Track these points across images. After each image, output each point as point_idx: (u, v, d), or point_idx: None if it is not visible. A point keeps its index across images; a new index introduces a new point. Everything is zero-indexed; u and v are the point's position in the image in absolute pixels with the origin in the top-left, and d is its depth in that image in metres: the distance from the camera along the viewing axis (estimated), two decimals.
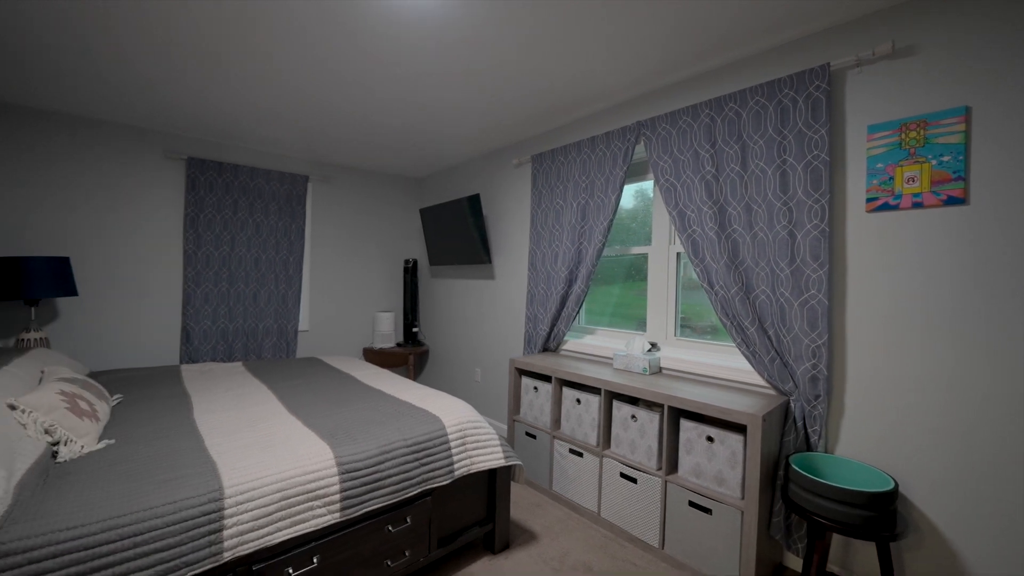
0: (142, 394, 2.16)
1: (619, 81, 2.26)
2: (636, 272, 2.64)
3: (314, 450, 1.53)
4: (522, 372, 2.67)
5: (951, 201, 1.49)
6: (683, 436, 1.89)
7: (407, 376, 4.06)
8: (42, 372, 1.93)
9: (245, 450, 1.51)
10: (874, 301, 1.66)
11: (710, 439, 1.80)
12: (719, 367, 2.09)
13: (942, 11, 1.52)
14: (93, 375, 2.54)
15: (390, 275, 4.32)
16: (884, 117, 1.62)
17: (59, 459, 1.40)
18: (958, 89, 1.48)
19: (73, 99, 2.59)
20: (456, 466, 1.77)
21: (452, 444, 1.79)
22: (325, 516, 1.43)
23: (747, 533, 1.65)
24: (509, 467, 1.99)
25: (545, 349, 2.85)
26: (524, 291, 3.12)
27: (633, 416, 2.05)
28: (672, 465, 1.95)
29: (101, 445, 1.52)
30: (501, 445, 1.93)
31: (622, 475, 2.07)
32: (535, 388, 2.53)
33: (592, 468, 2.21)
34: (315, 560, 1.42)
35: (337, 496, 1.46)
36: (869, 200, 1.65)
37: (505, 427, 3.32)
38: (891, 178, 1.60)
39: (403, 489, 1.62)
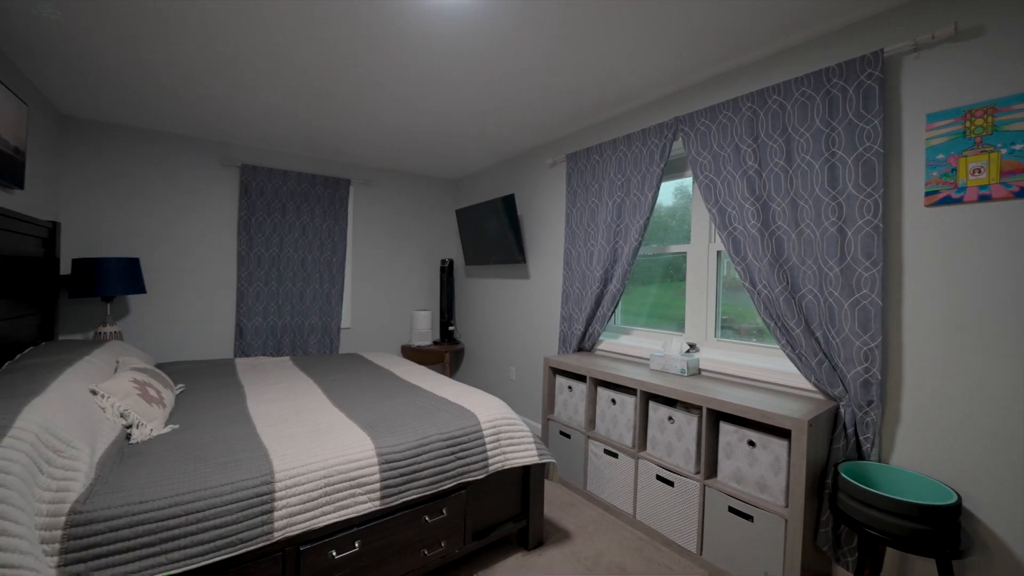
0: (201, 384, 2.33)
1: (656, 76, 2.23)
2: (675, 272, 2.59)
3: (356, 440, 1.60)
4: (556, 371, 2.68)
5: None
6: (723, 439, 1.84)
7: (443, 373, 4.14)
8: (117, 362, 2.11)
9: (293, 438, 1.60)
10: (933, 301, 1.56)
11: (752, 443, 1.74)
12: (762, 369, 2.01)
13: None
14: (159, 366, 2.76)
15: (427, 274, 4.43)
16: (945, 104, 1.52)
17: (132, 440, 1.54)
18: None
19: (142, 114, 2.82)
20: (490, 461, 1.80)
21: (487, 439, 1.82)
22: (366, 503, 1.50)
23: (791, 542, 1.59)
24: (543, 465, 2.00)
25: (580, 349, 2.84)
26: (559, 290, 3.12)
27: (670, 418, 2.01)
28: (711, 469, 1.90)
29: (167, 429, 1.66)
30: (535, 442, 1.94)
31: (658, 478, 2.03)
32: (569, 388, 2.53)
33: (627, 469, 2.18)
34: (356, 545, 1.49)
35: (377, 485, 1.52)
36: (928, 193, 1.55)
37: (539, 426, 3.33)
38: (953, 169, 1.49)
39: (439, 481, 1.66)
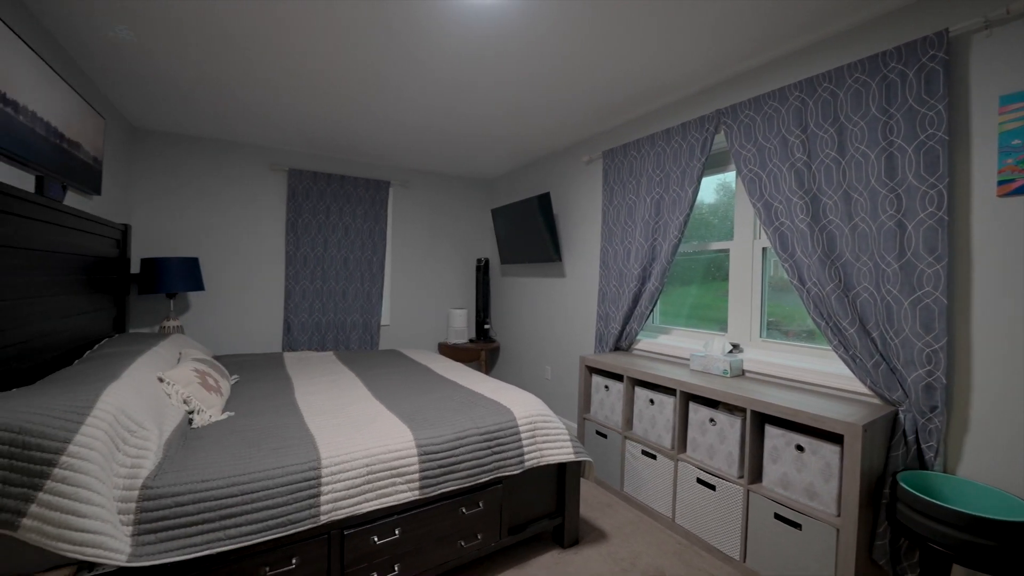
0: (253, 375, 2.47)
1: (696, 68, 2.17)
2: (716, 271, 2.51)
3: (396, 431, 1.65)
4: (593, 370, 2.65)
5: None
6: (768, 443, 1.76)
7: (478, 371, 4.19)
8: (180, 353, 2.28)
9: (338, 428, 1.67)
10: (1007, 299, 1.43)
11: (800, 448, 1.66)
12: (811, 371, 1.92)
13: None
14: (216, 358, 2.95)
15: (463, 273, 4.50)
16: (1022, 85, 1.40)
17: (193, 425, 1.66)
18: None
19: (202, 124, 3.03)
20: (526, 457, 1.81)
21: (523, 435, 1.83)
22: (406, 492, 1.54)
23: (844, 554, 1.50)
24: (579, 463, 1.99)
25: (617, 348, 2.80)
26: (595, 289, 3.09)
27: (712, 420, 1.95)
28: (755, 474, 1.83)
29: (224, 416, 1.77)
30: (571, 440, 1.94)
31: (699, 481, 1.98)
32: (606, 387, 2.50)
33: (666, 471, 2.13)
34: (397, 532, 1.53)
35: (416, 475, 1.56)
36: (1002, 183, 1.43)
37: (575, 425, 3.30)
38: None
39: (476, 474, 1.69)
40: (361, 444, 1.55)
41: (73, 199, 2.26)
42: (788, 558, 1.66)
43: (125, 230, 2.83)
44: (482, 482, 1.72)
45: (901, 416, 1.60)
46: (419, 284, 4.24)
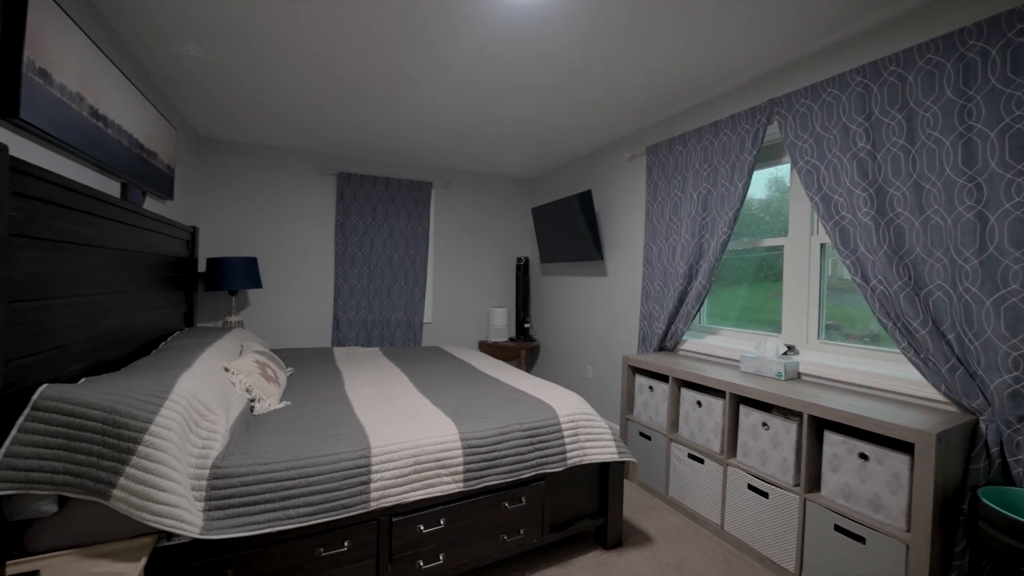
0: (307, 368, 2.60)
1: (747, 58, 2.08)
2: (769, 270, 2.39)
3: (441, 424, 1.69)
4: (636, 370, 2.60)
5: None
6: (827, 450, 1.66)
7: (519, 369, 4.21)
8: (241, 346, 2.43)
9: (386, 419, 1.73)
10: None
11: (863, 456, 1.56)
12: (876, 375, 1.79)
13: None
14: (272, 351, 3.12)
15: (504, 272, 4.53)
16: None
17: (255, 412, 1.77)
18: None
19: (260, 133, 3.23)
20: (569, 455, 1.80)
21: (565, 433, 1.82)
22: (450, 484, 1.57)
23: (916, 571, 1.39)
24: (622, 464, 1.96)
25: (661, 348, 2.73)
26: (638, 288, 3.03)
27: (765, 424, 1.86)
28: (813, 482, 1.73)
29: (282, 405, 1.88)
30: (614, 440, 1.91)
31: (751, 487, 1.89)
32: (650, 388, 2.44)
33: (714, 476, 2.06)
34: (441, 522, 1.57)
35: (460, 467, 1.59)
36: None
37: (617, 426, 3.25)
38: None
39: (518, 470, 1.70)
40: (408, 435, 1.59)
41: (150, 204, 2.47)
42: (850, 573, 1.56)
43: (194, 232, 3.06)
44: (524, 478, 1.73)
45: (983, 426, 1.47)
46: (460, 283, 4.32)
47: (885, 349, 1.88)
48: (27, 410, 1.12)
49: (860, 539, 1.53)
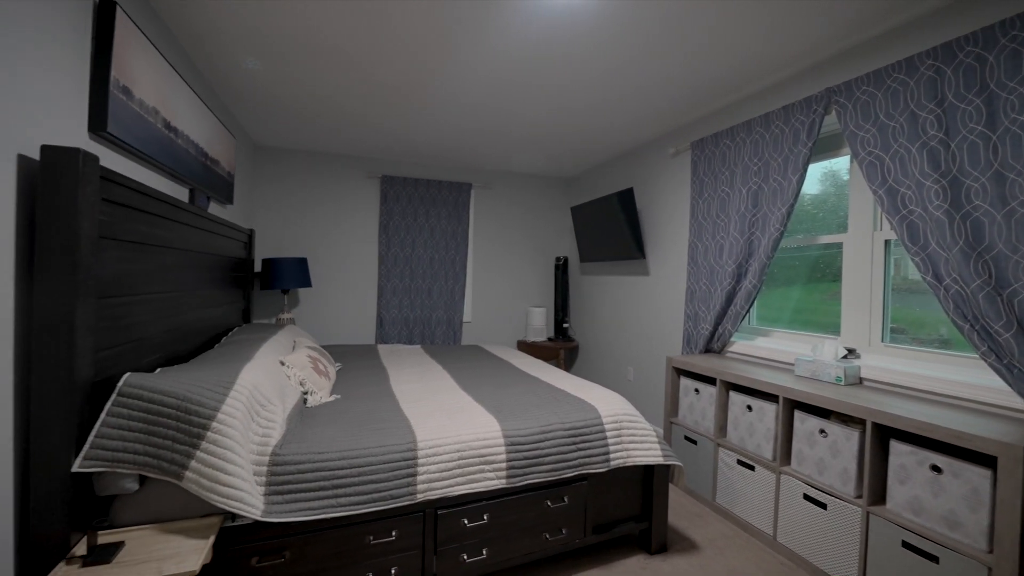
0: (354, 364, 2.70)
1: (801, 45, 1.98)
2: (826, 269, 2.26)
3: (484, 421, 1.71)
4: (681, 372, 2.53)
5: None
6: (894, 461, 1.55)
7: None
8: (294, 342, 2.56)
9: (430, 414, 1.77)
10: None
11: (936, 469, 1.44)
12: (949, 382, 1.66)
13: None
14: (322, 347, 3.27)
15: (542, 272, 4.53)
16: None
17: (308, 404, 1.86)
18: None
19: (311, 139, 3.39)
20: (612, 456, 1.78)
21: (608, 434, 1.80)
22: (493, 480, 1.59)
23: None
24: (667, 467, 1.91)
25: (708, 350, 2.64)
26: (682, 287, 2.94)
27: (822, 431, 1.76)
28: (877, 494, 1.62)
29: (332, 398, 1.96)
30: (659, 443, 1.87)
31: (806, 497, 1.79)
32: (696, 390, 2.37)
33: (766, 484, 1.97)
34: (485, 517, 1.59)
35: (503, 464, 1.61)
36: None
37: (660, 430, 3.17)
38: None
39: (560, 469, 1.69)
40: (452, 431, 1.62)
41: (213, 208, 2.65)
42: None
43: (251, 234, 3.25)
44: (567, 477, 1.72)
45: None
46: (499, 282, 4.35)
47: (960, 354, 1.73)
48: (113, 396, 1.23)
49: (933, 558, 1.42)
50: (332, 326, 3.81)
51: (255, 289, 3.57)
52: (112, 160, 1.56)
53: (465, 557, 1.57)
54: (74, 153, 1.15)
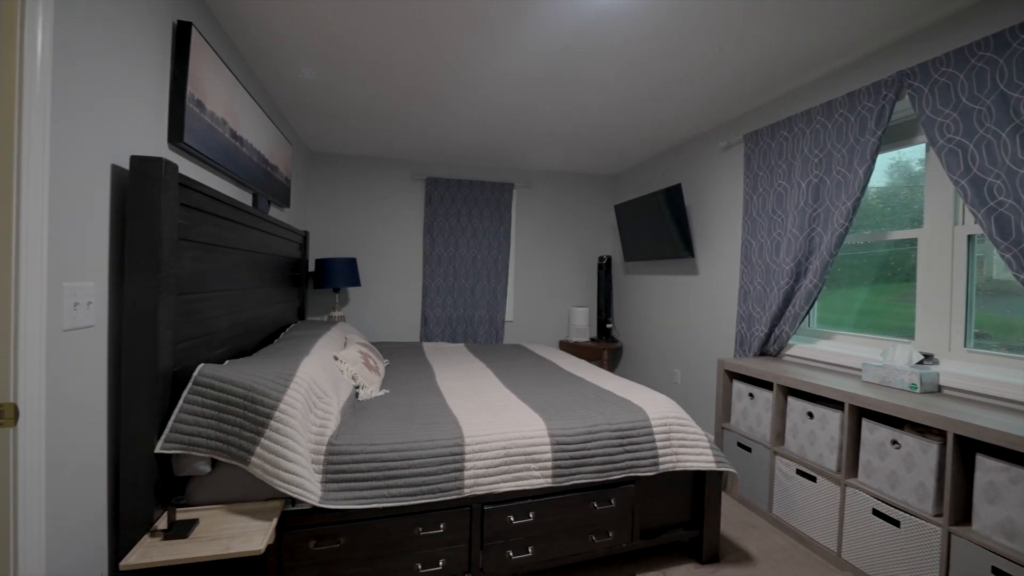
0: (400, 361, 2.79)
1: (869, 26, 1.84)
2: (897, 268, 2.09)
3: (529, 419, 1.71)
4: (733, 376, 2.42)
5: None
6: (981, 478, 1.41)
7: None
8: (346, 338, 2.67)
9: (476, 411, 1.79)
10: None
11: None
12: None
13: None
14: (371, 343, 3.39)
15: (585, 272, 4.48)
16: None
17: (359, 398, 1.93)
18: None
19: (361, 145, 3.53)
20: (661, 459, 1.73)
21: (657, 437, 1.75)
22: (539, 479, 1.59)
23: None
24: (720, 473, 1.83)
25: (763, 353, 2.51)
26: (735, 287, 2.82)
27: (895, 442, 1.63)
28: (961, 513, 1.47)
29: (382, 392, 2.03)
30: (711, 448, 1.79)
31: (876, 513, 1.67)
32: (750, 395, 2.26)
33: (830, 497, 1.85)
34: (531, 515, 1.59)
35: (549, 463, 1.60)
36: None
37: (711, 436, 3.04)
38: None
39: (607, 470, 1.66)
40: (498, 428, 1.64)
41: (272, 211, 2.81)
42: None
43: (305, 236, 3.42)
44: (614, 479, 1.69)
45: None
46: (541, 282, 4.35)
47: None
48: (189, 384, 1.33)
49: None
50: (379, 324, 3.94)
51: (309, 288, 3.76)
52: (187, 168, 1.69)
53: (511, 554, 1.58)
54: (157, 162, 1.25)
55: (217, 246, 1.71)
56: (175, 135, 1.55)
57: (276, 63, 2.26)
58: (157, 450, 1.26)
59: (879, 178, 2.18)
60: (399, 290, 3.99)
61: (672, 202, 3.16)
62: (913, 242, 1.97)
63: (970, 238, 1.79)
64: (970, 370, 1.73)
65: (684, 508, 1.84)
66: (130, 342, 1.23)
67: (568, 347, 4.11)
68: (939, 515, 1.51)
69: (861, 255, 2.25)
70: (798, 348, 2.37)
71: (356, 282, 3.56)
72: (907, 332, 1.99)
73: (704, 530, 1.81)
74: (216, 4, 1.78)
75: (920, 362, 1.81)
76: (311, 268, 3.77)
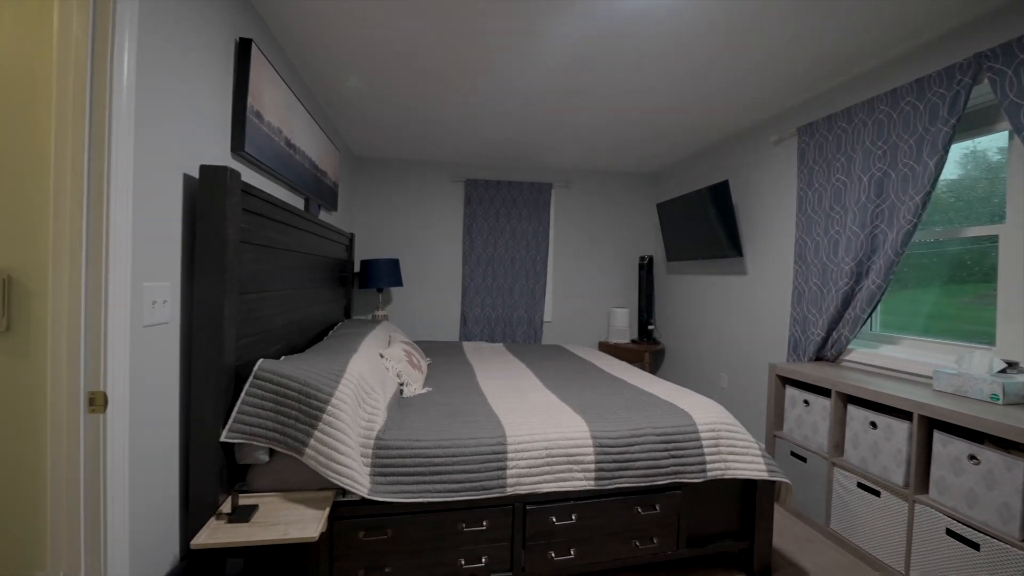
0: (441, 359, 2.84)
1: (941, 5, 1.70)
2: (974, 267, 1.92)
3: (571, 421, 1.70)
4: (786, 381, 2.30)
5: None
6: None
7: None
8: (390, 337, 2.76)
9: (517, 411, 1.80)
10: None
11: None
12: None
13: None
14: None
15: (625, 272, 4.39)
16: None
17: (404, 395, 1.99)
18: None
19: (403, 149, 3.63)
20: (709, 466, 1.67)
21: (704, 442, 1.69)
22: (582, 480, 1.57)
23: None
24: (772, 483, 1.75)
25: (819, 358, 2.37)
26: (788, 288, 2.67)
27: (972, 457, 1.50)
28: None
29: (425, 390, 2.08)
30: (763, 456, 1.71)
31: (951, 533, 1.53)
32: (805, 402, 2.14)
33: (896, 514, 1.72)
34: (573, 517, 1.58)
35: (592, 465, 1.58)
36: None
37: (762, 444, 2.90)
38: None
39: (652, 475, 1.62)
40: (540, 428, 1.63)
41: (322, 215, 2.94)
42: None
43: (351, 238, 3.56)
44: (659, 484, 1.65)
45: None
46: (580, 282, 4.30)
47: None
48: (251, 378, 1.41)
49: None
50: (420, 323, 4.04)
51: (354, 287, 3.90)
52: (248, 175, 1.80)
53: (553, 555, 1.57)
54: (223, 171, 1.34)
55: (273, 248, 1.81)
56: (237, 144, 1.66)
57: (325, 73, 2.36)
58: (222, 439, 1.35)
59: (950, 170, 2.01)
60: (439, 290, 4.07)
61: (718, 200, 3.05)
62: (993, 239, 1.80)
63: None
64: None
65: (733, 518, 1.76)
66: (199, 338, 1.33)
67: (608, 348, 4.05)
68: None
69: (930, 253, 2.08)
70: (859, 353, 2.22)
71: (399, 282, 3.66)
72: (986, 338, 1.82)
73: (755, 542, 1.73)
74: (273, 20, 1.89)
75: (1003, 370, 1.65)
76: (356, 269, 3.92)
